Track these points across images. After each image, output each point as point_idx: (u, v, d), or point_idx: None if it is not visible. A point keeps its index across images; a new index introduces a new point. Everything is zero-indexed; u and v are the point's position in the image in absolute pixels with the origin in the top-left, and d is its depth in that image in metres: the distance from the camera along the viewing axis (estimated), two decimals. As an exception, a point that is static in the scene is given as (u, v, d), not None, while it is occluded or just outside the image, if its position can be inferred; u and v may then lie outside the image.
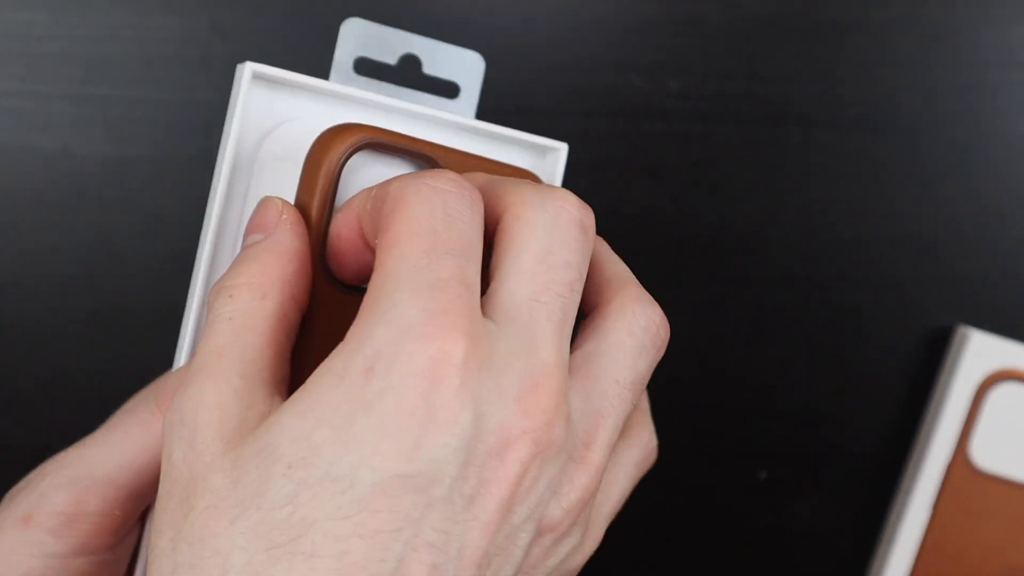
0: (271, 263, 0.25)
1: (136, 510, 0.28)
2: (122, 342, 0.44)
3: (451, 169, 0.27)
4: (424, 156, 0.28)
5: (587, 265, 0.26)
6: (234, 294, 0.25)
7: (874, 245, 0.45)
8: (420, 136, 0.30)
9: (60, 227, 0.43)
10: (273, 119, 0.29)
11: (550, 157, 0.33)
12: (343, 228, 0.27)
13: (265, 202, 0.27)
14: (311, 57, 0.43)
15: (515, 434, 0.23)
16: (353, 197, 0.27)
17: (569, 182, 0.44)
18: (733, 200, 0.45)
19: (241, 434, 0.23)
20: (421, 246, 0.23)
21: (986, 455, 0.45)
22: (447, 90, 0.31)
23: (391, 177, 0.25)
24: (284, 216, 0.26)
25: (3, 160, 0.43)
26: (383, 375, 0.22)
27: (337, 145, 0.27)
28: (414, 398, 0.22)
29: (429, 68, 0.30)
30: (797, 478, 0.47)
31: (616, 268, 0.28)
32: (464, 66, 0.31)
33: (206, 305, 0.26)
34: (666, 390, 0.47)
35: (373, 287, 0.23)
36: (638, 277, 0.45)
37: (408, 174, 0.25)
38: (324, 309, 0.26)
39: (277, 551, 0.21)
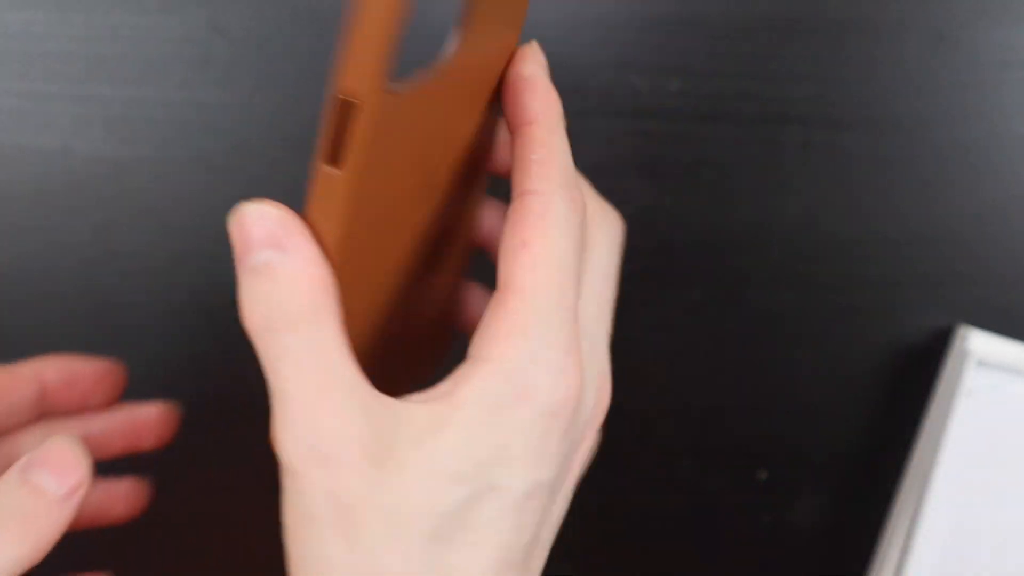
0: (303, 280, 0.24)
1: None
2: (122, 342, 0.44)
3: None
4: None
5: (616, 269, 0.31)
6: (279, 327, 0.24)
7: (874, 245, 0.45)
8: None
9: (60, 227, 0.43)
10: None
11: None
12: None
13: (254, 212, 0.25)
14: (310, 56, 0.43)
15: (593, 424, 0.30)
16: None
17: (569, 182, 0.44)
18: (733, 200, 0.45)
19: (385, 450, 0.24)
20: (562, 280, 0.27)
21: (986, 455, 0.45)
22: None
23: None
24: (286, 221, 0.25)
25: (3, 160, 0.43)
26: (530, 404, 0.26)
27: None
28: (551, 420, 0.26)
29: None
30: (797, 478, 0.47)
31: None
32: None
33: None
34: (666, 390, 0.47)
35: (520, 308, 0.26)
36: (638, 277, 0.45)
37: (554, 184, 0.27)
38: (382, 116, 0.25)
39: (444, 543, 0.25)
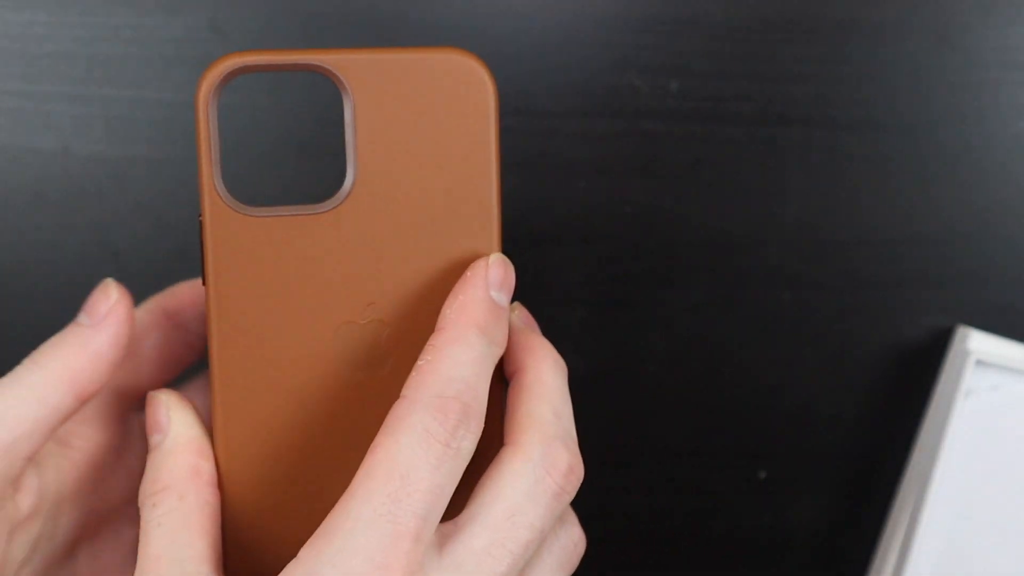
0: (177, 464, 0.28)
1: (63, 512, 0.30)
2: (122, 342, 0.44)
3: (361, 80, 0.28)
4: (317, 68, 0.28)
5: (549, 527, 0.28)
6: (156, 502, 0.28)
7: (874, 245, 0.45)
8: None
9: (60, 227, 0.43)
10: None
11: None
12: None
13: (152, 400, 0.30)
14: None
15: None
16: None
17: (569, 182, 0.44)
18: (733, 200, 0.45)
19: None
20: (391, 489, 0.25)
21: (985, 455, 0.45)
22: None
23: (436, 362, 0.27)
24: (172, 413, 0.29)
25: (3, 160, 0.43)
26: None
27: (205, 79, 0.28)
28: None
29: None
30: (797, 478, 0.47)
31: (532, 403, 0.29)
32: None
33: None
34: (666, 390, 0.47)
35: (337, 511, 0.25)
36: (638, 277, 0.45)
37: (417, 383, 0.27)
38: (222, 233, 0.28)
39: None
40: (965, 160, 0.45)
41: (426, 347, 0.28)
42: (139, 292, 0.44)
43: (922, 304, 0.46)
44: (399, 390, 0.27)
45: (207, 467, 0.29)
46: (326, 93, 0.43)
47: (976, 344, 0.44)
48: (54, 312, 0.44)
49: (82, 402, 0.29)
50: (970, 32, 0.44)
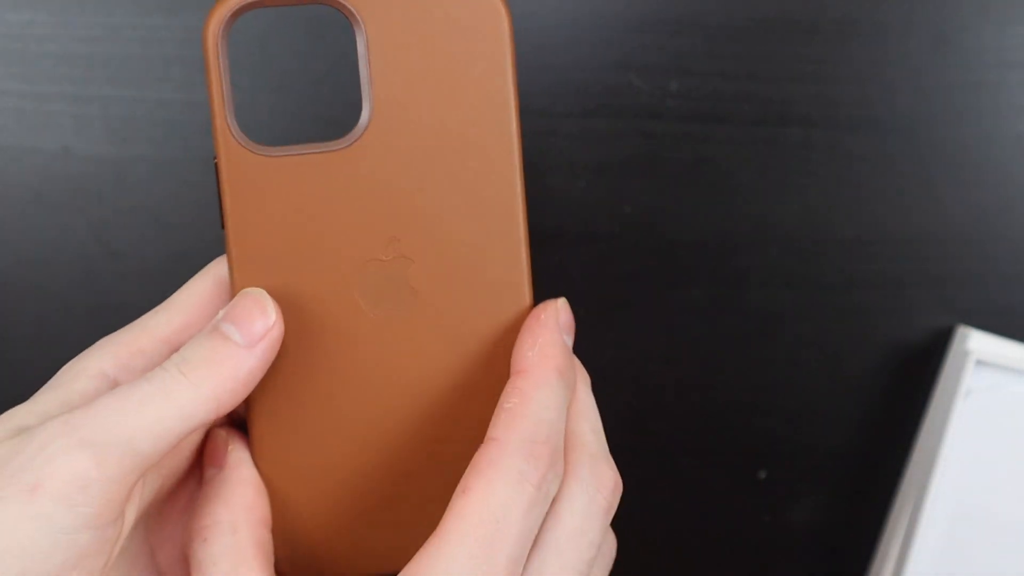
0: (233, 498, 0.28)
1: (143, 480, 0.28)
2: (122, 342, 0.44)
3: (372, 11, 0.27)
4: (327, 1, 0.28)
5: (605, 543, 0.29)
6: (207, 536, 0.27)
7: (874, 245, 0.45)
8: None
9: (60, 227, 0.43)
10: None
11: None
12: None
13: (212, 435, 0.30)
14: (311, 59, 0.43)
15: None
16: None
17: (569, 182, 0.44)
18: (733, 200, 0.45)
19: None
20: (485, 533, 0.26)
21: (985, 455, 0.45)
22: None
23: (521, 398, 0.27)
24: (231, 448, 0.29)
25: (3, 160, 0.43)
26: None
27: (213, 16, 0.27)
28: None
29: None
30: (797, 478, 0.47)
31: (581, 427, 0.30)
32: None
33: None
34: (666, 390, 0.47)
35: (430, 553, 0.25)
36: (638, 277, 0.45)
37: (506, 426, 0.27)
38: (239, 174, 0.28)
39: None
40: (965, 160, 0.45)
41: (509, 389, 0.28)
42: (139, 292, 0.44)
43: (922, 304, 0.46)
44: (429, 327, 0.28)
45: (262, 506, 0.29)
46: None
47: (976, 344, 0.44)
48: (54, 312, 0.44)
49: (215, 421, 0.28)
50: (970, 32, 0.44)
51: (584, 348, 0.46)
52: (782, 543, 0.48)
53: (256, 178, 0.27)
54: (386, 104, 0.28)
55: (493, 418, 0.27)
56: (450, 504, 0.26)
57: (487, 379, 0.30)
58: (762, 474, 0.47)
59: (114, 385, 0.28)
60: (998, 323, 0.45)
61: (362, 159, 0.28)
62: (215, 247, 0.44)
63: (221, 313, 0.28)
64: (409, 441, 0.29)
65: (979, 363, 0.44)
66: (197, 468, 0.30)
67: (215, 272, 0.30)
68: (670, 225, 0.45)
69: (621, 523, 0.47)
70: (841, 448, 0.47)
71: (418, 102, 0.28)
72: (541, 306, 0.30)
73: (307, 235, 0.28)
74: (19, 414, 0.27)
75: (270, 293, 0.28)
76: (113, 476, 0.25)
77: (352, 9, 0.27)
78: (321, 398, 0.29)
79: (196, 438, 0.30)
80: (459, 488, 0.26)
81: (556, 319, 0.29)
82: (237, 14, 0.27)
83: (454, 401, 0.30)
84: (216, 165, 0.27)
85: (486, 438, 0.27)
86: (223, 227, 0.28)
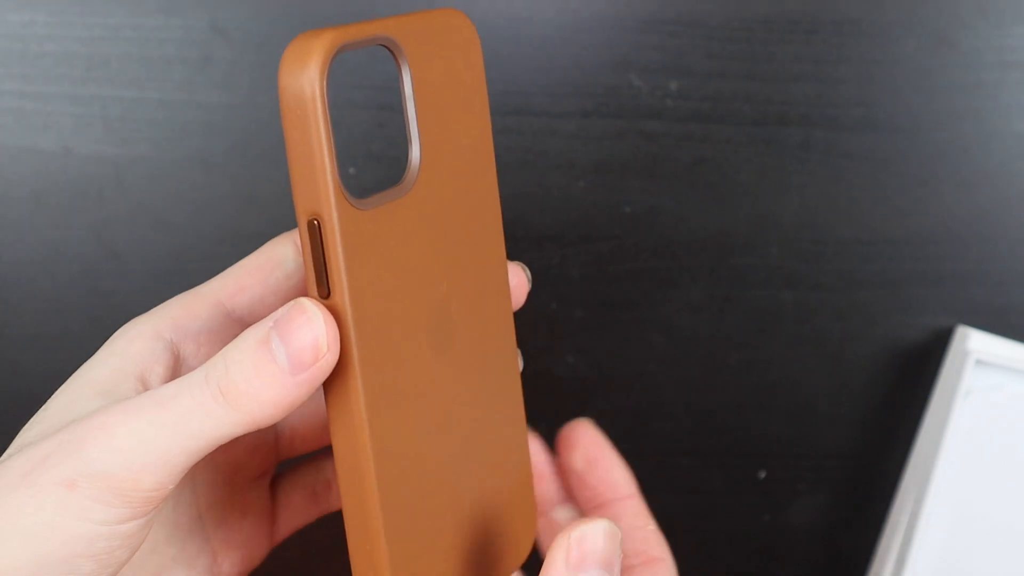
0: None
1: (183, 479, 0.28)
2: (122, 342, 0.44)
3: (413, 47, 0.26)
4: (384, 41, 0.26)
5: None
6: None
7: (874, 245, 0.45)
8: None
9: (60, 227, 0.43)
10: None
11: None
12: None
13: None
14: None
15: None
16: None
17: (569, 182, 0.44)
18: (733, 200, 0.45)
19: None
20: None
21: (985, 455, 0.45)
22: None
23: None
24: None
25: (3, 160, 0.43)
26: None
27: (313, 57, 0.23)
28: None
29: None
30: (797, 478, 0.47)
31: None
32: None
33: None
34: (667, 390, 0.47)
35: None
36: (638, 277, 0.45)
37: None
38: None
39: None
40: (965, 160, 0.45)
41: (633, 511, 0.32)
42: (139, 292, 0.44)
43: (922, 304, 0.46)
44: (471, 364, 0.28)
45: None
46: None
47: (976, 344, 0.44)
48: (54, 312, 0.44)
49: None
50: (970, 32, 0.44)
51: (584, 348, 0.46)
52: (782, 543, 0.48)
53: (363, 235, 0.25)
54: (429, 140, 0.27)
55: (639, 540, 0.32)
56: None
57: (499, 409, 0.30)
58: (762, 474, 0.47)
59: (170, 348, 0.28)
60: (998, 323, 0.45)
61: (422, 200, 0.27)
62: (215, 247, 0.44)
63: (274, 318, 0.26)
64: (472, 470, 0.29)
65: (979, 363, 0.44)
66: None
67: (270, 250, 0.30)
68: (670, 225, 0.45)
69: (621, 523, 0.46)
70: (841, 448, 0.47)
71: (443, 135, 0.28)
72: (586, 429, 0.34)
73: (398, 286, 0.26)
74: (75, 387, 0.27)
75: (384, 352, 0.26)
76: (150, 487, 0.25)
77: (401, 46, 0.26)
78: (422, 431, 0.27)
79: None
80: None
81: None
82: (337, 53, 0.24)
83: (487, 430, 0.30)
84: (316, 225, 0.24)
85: (651, 558, 0.32)
86: (325, 294, 0.25)
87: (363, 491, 0.25)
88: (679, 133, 0.44)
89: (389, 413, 0.26)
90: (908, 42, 0.44)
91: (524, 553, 0.31)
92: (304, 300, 0.25)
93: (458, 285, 0.28)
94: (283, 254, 0.30)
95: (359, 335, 0.25)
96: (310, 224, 0.24)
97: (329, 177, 0.24)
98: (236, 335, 0.28)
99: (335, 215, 0.24)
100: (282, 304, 0.28)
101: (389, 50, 0.26)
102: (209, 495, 0.31)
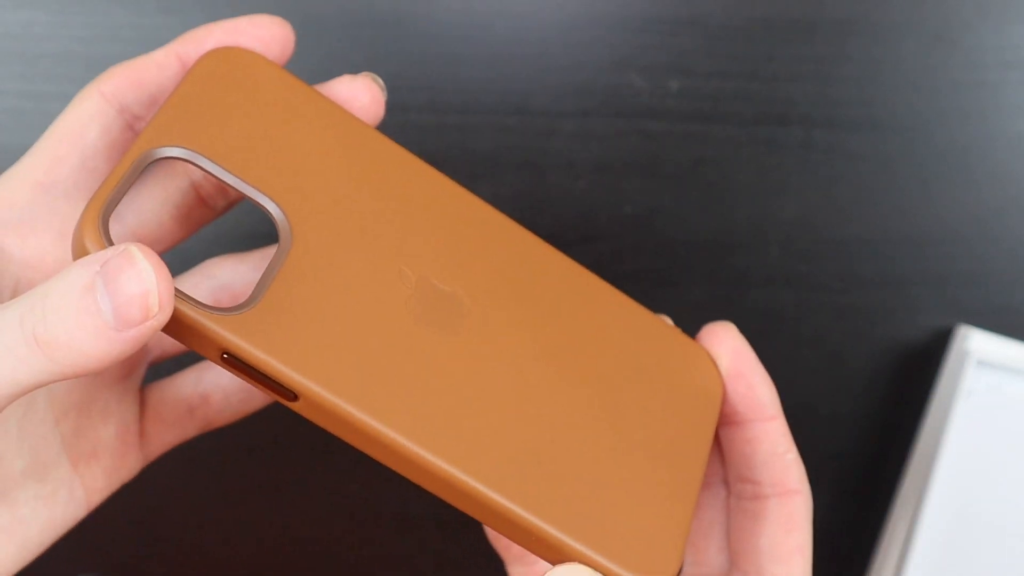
0: None
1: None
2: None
3: None
4: None
5: None
6: None
7: (874, 245, 0.45)
8: None
9: (60, 227, 0.43)
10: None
11: None
12: None
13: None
14: (311, 59, 0.43)
15: None
16: None
17: (569, 182, 0.44)
18: (733, 200, 0.45)
19: None
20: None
21: (985, 455, 0.45)
22: None
23: None
24: None
25: (3, 160, 0.43)
26: None
27: (84, 235, 0.23)
28: None
29: None
30: (797, 478, 0.47)
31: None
32: None
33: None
34: (666, 390, 0.47)
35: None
36: (639, 277, 0.45)
37: None
38: None
39: None
40: (965, 160, 0.45)
41: (772, 436, 0.31)
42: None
43: (922, 304, 0.46)
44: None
45: None
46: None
47: (976, 344, 0.44)
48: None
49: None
50: (970, 32, 0.44)
51: (584, 348, 0.46)
52: (782, 543, 0.48)
53: (276, 324, 0.24)
54: (282, 192, 0.27)
55: (774, 468, 0.31)
56: (784, 559, 0.29)
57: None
58: (762, 474, 0.47)
59: None
60: (998, 323, 0.45)
61: (312, 249, 0.27)
62: (215, 247, 0.43)
63: (101, 260, 0.23)
64: None
65: (979, 363, 0.44)
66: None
67: (77, 107, 0.27)
68: (670, 225, 0.45)
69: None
70: (841, 448, 0.47)
71: (295, 172, 0.28)
72: (734, 339, 0.32)
73: (345, 324, 0.25)
74: None
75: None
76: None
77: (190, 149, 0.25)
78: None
79: None
80: (790, 545, 0.29)
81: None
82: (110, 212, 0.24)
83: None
84: (227, 358, 0.24)
85: (785, 490, 0.31)
86: (292, 395, 0.24)
87: (470, 496, 0.25)
88: (679, 133, 0.44)
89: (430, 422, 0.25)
90: (909, 42, 0.44)
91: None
92: (133, 247, 0.23)
93: (458, 269, 0.28)
94: (91, 107, 0.27)
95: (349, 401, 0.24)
96: (224, 360, 0.24)
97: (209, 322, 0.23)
98: (65, 214, 0.27)
99: (235, 338, 0.23)
100: (107, 166, 0.27)
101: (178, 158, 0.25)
102: (65, 398, 0.28)
